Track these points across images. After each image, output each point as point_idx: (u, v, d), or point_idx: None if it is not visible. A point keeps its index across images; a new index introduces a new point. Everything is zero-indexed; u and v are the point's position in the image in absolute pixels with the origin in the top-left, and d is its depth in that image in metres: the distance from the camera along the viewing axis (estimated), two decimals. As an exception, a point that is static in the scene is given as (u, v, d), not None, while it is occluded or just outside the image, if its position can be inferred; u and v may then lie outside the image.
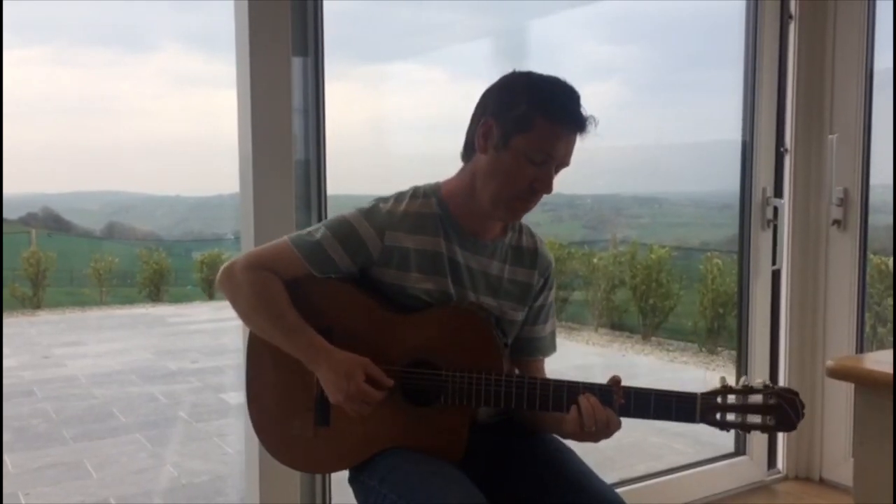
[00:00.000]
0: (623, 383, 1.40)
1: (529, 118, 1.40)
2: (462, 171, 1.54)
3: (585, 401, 1.37)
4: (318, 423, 1.50)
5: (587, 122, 1.44)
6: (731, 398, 1.37)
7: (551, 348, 1.66)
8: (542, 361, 1.65)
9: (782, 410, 1.34)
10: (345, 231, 1.48)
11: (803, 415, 1.36)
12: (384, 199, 1.52)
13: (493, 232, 1.55)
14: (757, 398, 1.35)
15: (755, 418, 1.36)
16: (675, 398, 1.36)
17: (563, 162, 1.45)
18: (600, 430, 1.37)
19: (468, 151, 1.51)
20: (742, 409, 1.36)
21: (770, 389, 1.36)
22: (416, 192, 1.53)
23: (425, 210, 1.51)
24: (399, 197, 1.53)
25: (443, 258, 1.49)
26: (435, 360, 1.44)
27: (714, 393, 1.37)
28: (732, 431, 1.43)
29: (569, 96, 1.44)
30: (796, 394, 1.36)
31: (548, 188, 1.45)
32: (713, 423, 1.37)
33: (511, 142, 1.42)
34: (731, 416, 1.37)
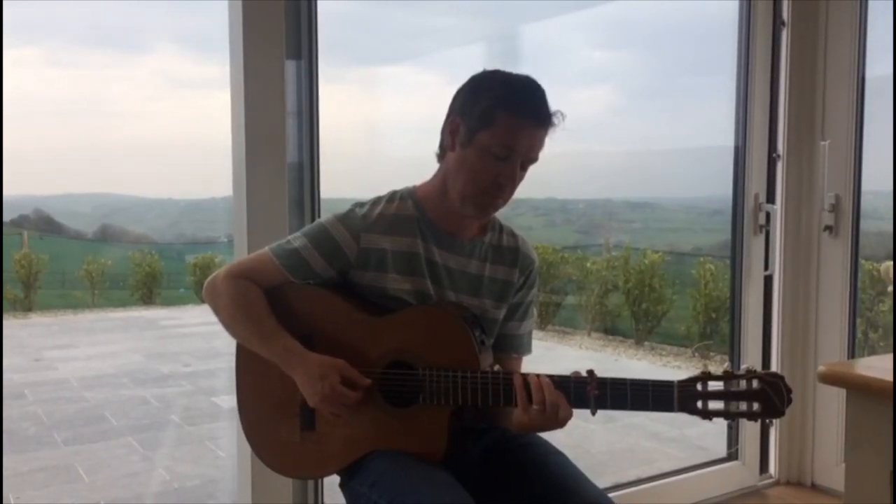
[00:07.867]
0: None
1: (492, 113, 1.41)
2: (437, 172, 1.55)
3: (535, 378, 1.35)
4: (303, 427, 1.51)
5: (551, 117, 1.43)
6: (713, 385, 1.31)
7: (527, 348, 1.65)
8: (519, 360, 1.64)
9: (767, 396, 1.29)
10: (321, 237, 1.50)
11: (790, 400, 1.30)
12: (360, 204, 1.53)
13: (470, 231, 1.56)
14: (740, 384, 1.30)
15: (740, 405, 1.30)
16: (652, 386, 1.33)
17: (529, 157, 1.45)
18: (550, 414, 1.34)
19: (442, 151, 1.52)
20: (725, 396, 1.31)
21: (753, 374, 1.30)
22: (392, 196, 1.55)
23: (401, 212, 1.52)
24: (376, 201, 1.54)
25: (420, 259, 1.50)
26: (412, 360, 1.44)
27: (693, 380, 1.32)
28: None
29: (531, 91, 1.44)
30: (781, 378, 1.30)
31: (512, 183, 1.44)
32: (694, 411, 1.32)
33: (475, 138, 1.43)
34: (713, 405, 1.32)
